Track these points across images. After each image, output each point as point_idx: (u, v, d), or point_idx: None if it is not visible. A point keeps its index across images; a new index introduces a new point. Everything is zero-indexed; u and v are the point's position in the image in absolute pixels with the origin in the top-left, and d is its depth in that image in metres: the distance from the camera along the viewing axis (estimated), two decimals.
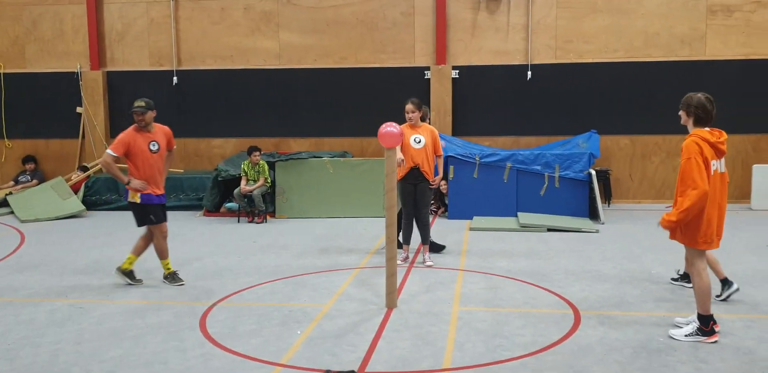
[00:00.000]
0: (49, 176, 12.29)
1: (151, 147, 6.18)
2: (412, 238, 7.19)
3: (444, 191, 10.63)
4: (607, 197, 11.56)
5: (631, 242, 8.26)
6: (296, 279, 6.52)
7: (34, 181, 12.06)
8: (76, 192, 11.26)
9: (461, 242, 8.45)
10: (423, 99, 12.07)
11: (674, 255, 7.06)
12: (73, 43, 12.75)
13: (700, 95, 4.54)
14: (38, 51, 12.85)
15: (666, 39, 11.73)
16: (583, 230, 8.96)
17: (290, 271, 6.87)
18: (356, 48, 12.28)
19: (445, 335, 4.85)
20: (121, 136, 6.10)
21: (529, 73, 11.93)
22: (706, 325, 4.59)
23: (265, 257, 7.58)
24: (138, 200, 6.26)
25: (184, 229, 9.56)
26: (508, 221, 9.60)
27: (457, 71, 12.07)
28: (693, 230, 4.54)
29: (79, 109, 12.59)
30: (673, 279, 6.24)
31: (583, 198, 9.95)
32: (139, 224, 6.43)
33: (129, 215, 10.89)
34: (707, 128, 4.52)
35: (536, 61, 11.96)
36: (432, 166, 7.05)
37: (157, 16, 12.52)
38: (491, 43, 12.07)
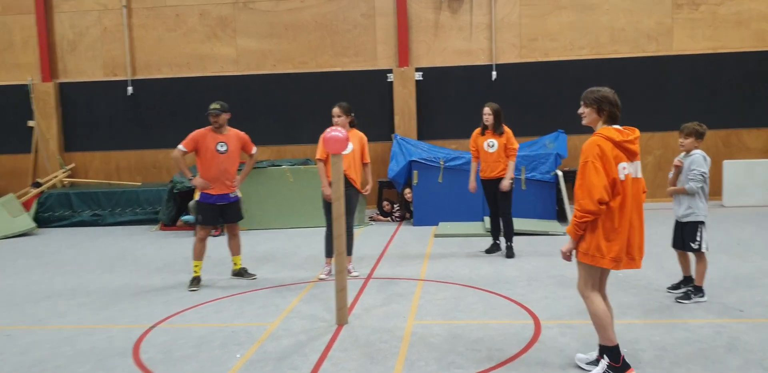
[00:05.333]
0: (0, 193, 11.81)
1: (219, 147, 6.41)
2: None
3: (408, 199, 10.31)
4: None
5: None
6: (245, 296, 6.14)
7: None
8: (28, 209, 10.79)
9: (424, 249, 8.12)
10: (386, 102, 11.84)
11: (644, 260, 6.77)
12: (23, 55, 12.30)
13: (609, 89, 3.77)
14: None
15: (632, 34, 11.54)
16: (549, 232, 8.67)
17: (241, 287, 6.49)
18: (316, 52, 11.95)
19: (396, 353, 4.50)
20: (193, 133, 6.42)
21: (494, 73, 11.67)
22: (616, 359, 3.78)
23: (216, 272, 7.18)
24: (197, 198, 6.74)
25: (138, 244, 9.15)
26: (474, 226, 9.29)
27: (421, 73, 11.79)
28: (595, 241, 3.69)
29: (30, 123, 12.12)
30: (670, 288, 5.78)
31: (551, 200, 9.66)
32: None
33: (82, 232, 10.75)
34: (615, 126, 3.75)
35: (501, 61, 11.70)
36: (359, 173, 6.70)
37: (110, 24, 12.11)
38: (455, 44, 11.80)
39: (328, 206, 6.62)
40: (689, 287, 5.50)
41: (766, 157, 11.23)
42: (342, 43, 11.91)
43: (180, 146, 6.38)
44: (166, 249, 8.72)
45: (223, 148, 6.45)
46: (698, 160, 5.35)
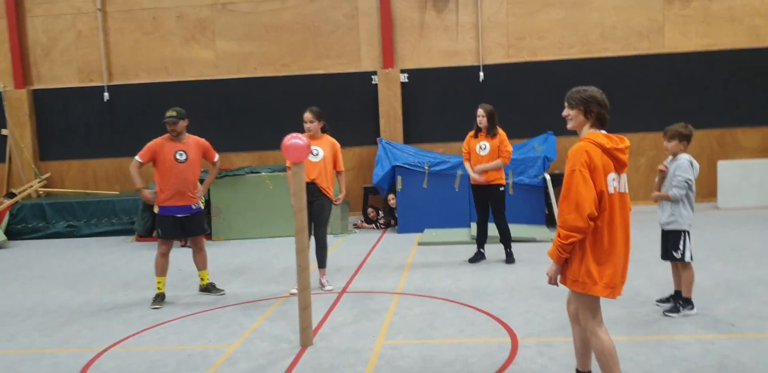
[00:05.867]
0: None
1: (178, 156, 6.10)
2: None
3: (392, 205, 9.97)
4: None
5: None
6: (209, 314, 5.80)
7: None
8: (0, 221, 10.45)
9: (406, 259, 7.77)
10: (371, 105, 11.50)
11: (634, 269, 6.43)
12: None
13: (596, 89, 3.33)
14: None
15: (623, 32, 11.20)
16: (537, 239, 8.32)
17: (206, 304, 6.15)
18: (298, 54, 11.62)
19: None
20: (150, 143, 6.12)
21: (482, 74, 11.33)
22: None
23: (184, 287, 6.84)
24: (156, 210, 6.40)
25: (111, 257, 8.81)
26: (460, 233, 8.95)
27: (406, 75, 11.45)
28: (584, 266, 3.23)
29: (3, 131, 11.79)
30: (659, 300, 5.42)
31: (540, 205, 9.32)
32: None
33: (55, 244, 10.39)
34: (603, 131, 3.31)
35: (488, 61, 11.37)
36: (331, 182, 6.37)
37: (84, 28, 11.78)
38: (441, 44, 11.47)
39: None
40: (678, 300, 5.16)
41: (761, 157, 10.88)
42: (325, 45, 11.58)
43: (136, 157, 6.08)
44: (137, 262, 8.37)
45: (183, 157, 6.12)
46: (683, 165, 5.00)
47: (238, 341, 4.97)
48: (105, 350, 4.92)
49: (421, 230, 9.41)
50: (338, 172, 6.45)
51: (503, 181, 7.28)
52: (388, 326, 5.18)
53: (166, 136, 6.19)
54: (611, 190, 3.20)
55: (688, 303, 5.10)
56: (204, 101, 11.72)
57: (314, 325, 5.22)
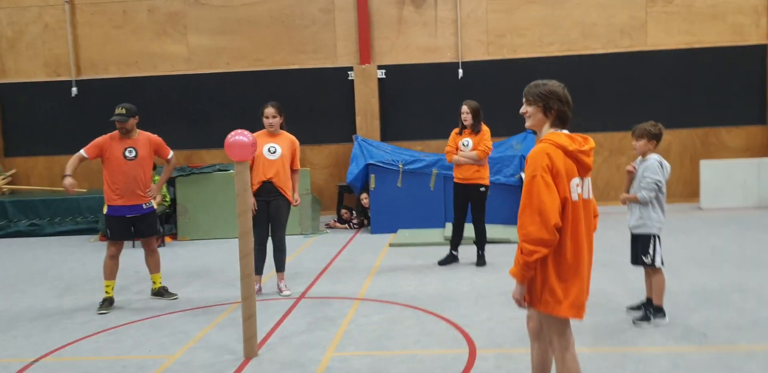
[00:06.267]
0: None
1: (127, 154, 5.82)
2: (268, 265, 6.29)
3: (365, 204, 9.67)
4: None
5: None
6: (156, 320, 5.48)
7: None
8: None
9: (374, 261, 7.48)
10: (347, 102, 11.19)
11: (606, 273, 6.19)
12: None
13: (557, 83, 2.99)
14: None
15: (604, 29, 10.94)
16: (511, 240, 8.04)
17: (156, 309, 5.83)
18: (273, 49, 11.29)
19: None
20: (98, 139, 5.84)
21: (461, 70, 11.03)
22: None
23: (137, 291, 6.52)
24: (104, 211, 6.00)
25: (70, 257, 8.48)
26: (434, 234, 8.66)
27: (384, 71, 11.14)
28: (547, 283, 2.86)
29: None
30: (630, 308, 5.10)
31: (516, 205, 8.97)
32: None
33: (16, 244, 10.00)
34: (565, 131, 2.96)
35: (468, 58, 11.08)
36: (289, 181, 6.07)
37: (51, 21, 11.40)
38: (419, 40, 11.16)
39: (255, 217, 6.03)
40: (649, 308, 4.89)
41: (745, 157, 10.65)
42: (300, 40, 11.25)
43: (81, 151, 5.77)
44: (96, 263, 7.97)
45: (132, 155, 5.84)
46: (652, 166, 4.73)
47: (179, 351, 4.66)
48: (36, 361, 4.59)
49: (394, 231, 9.11)
50: (293, 171, 6.15)
51: (485, 182, 7.00)
52: (341, 335, 4.88)
53: (115, 133, 5.89)
54: (575, 197, 2.85)
55: (659, 311, 4.83)
56: (175, 97, 11.38)
57: (264, 334, 4.93)
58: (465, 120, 6.96)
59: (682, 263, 6.61)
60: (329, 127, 11.20)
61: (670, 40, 10.81)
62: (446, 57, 11.14)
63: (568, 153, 2.85)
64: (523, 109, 3.05)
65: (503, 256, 7.32)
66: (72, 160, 5.74)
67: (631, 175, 4.90)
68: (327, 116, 11.22)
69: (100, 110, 11.39)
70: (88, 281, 7.07)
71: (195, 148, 11.36)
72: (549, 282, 2.85)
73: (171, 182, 9.45)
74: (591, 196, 2.99)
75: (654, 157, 4.80)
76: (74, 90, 11.34)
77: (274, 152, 5.97)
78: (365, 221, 9.81)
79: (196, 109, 11.39)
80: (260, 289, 6.09)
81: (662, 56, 10.81)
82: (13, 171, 11.47)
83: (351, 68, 11.13)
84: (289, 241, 8.95)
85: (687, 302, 5.31)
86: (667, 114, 10.81)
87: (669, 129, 10.97)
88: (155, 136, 6.05)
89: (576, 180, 2.86)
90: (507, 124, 10.76)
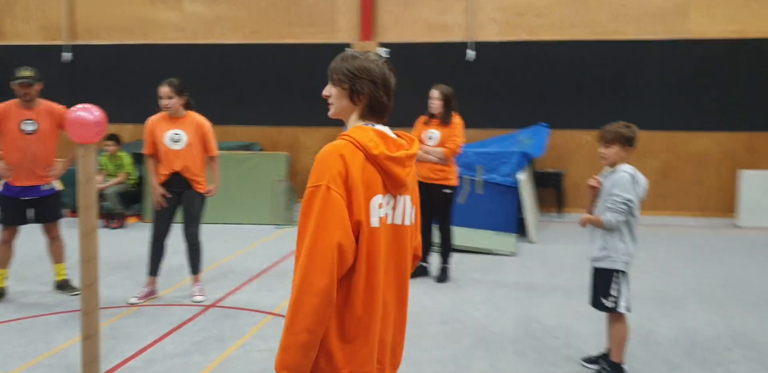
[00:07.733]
0: None
1: (23, 127, 5.11)
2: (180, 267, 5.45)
3: None
4: (559, 205, 9.56)
5: (550, 272, 6.30)
6: (32, 322, 4.73)
7: None
8: None
9: None
10: None
11: (577, 305, 5.14)
12: None
13: (377, 58, 2.02)
14: None
15: (637, 12, 9.59)
16: (493, 251, 6.99)
17: (47, 306, 5.13)
18: (269, 20, 10.40)
19: None
20: None
21: (472, 52, 9.91)
22: None
23: (43, 281, 5.79)
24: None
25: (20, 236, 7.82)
26: None
27: (386, 49, 10.09)
28: (324, 346, 1.86)
29: None
30: (586, 360, 4.05)
31: (512, 209, 7.90)
32: None
33: None
34: (379, 126, 2.00)
35: (480, 38, 9.94)
36: (201, 170, 5.19)
37: None
38: (427, 16, 10.08)
39: (156, 211, 5.24)
40: (604, 365, 3.83)
41: None
42: (296, 12, 10.31)
43: None
44: (24, 247, 7.35)
45: (31, 128, 5.14)
46: (622, 181, 3.65)
47: (21, 367, 3.88)
48: None
49: None
50: (210, 158, 5.28)
51: (452, 183, 5.94)
52: (217, 364, 4.00)
53: (13, 101, 5.16)
54: (374, 221, 1.88)
55: (617, 369, 3.77)
56: (166, 67, 10.54)
57: (131, 352, 4.11)
58: (433, 107, 5.90)
59: (680, 297, 5.47)
60: (324, 109, 10.18)
61: (712, 28, 9.40)
62: (456, 36, 10.02)
63: (371, 158, 1.88)
64: (325, 91, 2.12)
65: (476, 271, 6.30)
66: None
67: (595, 192, 3.82)
68: (322, 98, 10.26)
69: (93, 77, 10.83)
70: (22, 263, 6.35)
71: None
72: (327, 343, 1.86)
73: (139, 159, 8.71)
74: (410, 222, 2.02)
75: (625, 169, 3.72)
76: (68, 55, 10.74)
77: (178, 141, 5.11)
78: None
79: (188, 82, 10.50)
80: (152, 292, 5.30)
81: (702, 47, 9.41)
82: None
83: (349, 45, 10.15)
84: (256, 231, 8.21)
85: (666, 355, 4.21)
86: (705, 114, 9.50)
87: (706, 131, 9.75)
88: (61, 107, 5.24)
89: (378, 198, 1.89)
90: (518, 115, 9.70)
